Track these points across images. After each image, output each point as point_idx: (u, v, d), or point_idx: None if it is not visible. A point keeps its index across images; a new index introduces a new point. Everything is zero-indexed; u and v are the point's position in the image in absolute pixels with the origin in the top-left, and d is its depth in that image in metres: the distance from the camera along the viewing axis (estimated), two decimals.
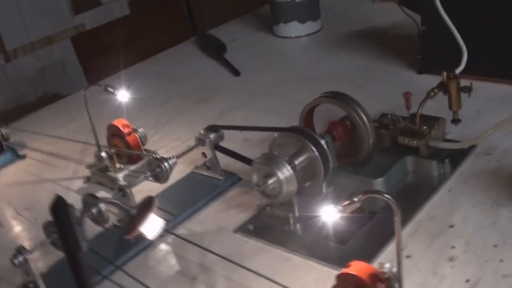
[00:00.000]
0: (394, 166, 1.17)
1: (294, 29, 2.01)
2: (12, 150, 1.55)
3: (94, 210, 1.00)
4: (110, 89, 1.30)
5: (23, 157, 1.56)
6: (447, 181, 1.15)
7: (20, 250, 0.95)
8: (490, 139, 1.21)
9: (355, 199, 0.79)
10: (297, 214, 1.11)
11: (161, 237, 1.12)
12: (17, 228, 1.29)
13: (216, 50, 1.97)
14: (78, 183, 1.39)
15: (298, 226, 1.11)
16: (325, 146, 1.10)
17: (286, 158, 1.12)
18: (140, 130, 1.38)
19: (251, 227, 1.13)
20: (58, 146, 1.59)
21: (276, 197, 1.09)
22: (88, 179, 1.39)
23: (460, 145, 1.16)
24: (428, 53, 1.56)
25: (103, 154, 1.34)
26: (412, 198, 1.13)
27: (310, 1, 1.99)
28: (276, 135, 1.14)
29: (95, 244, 1.09)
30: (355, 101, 1.16)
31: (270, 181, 1.07)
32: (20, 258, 0.95)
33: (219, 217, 1.19)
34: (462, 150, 1.20)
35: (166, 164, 1.18)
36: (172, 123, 1.62)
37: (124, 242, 1.11)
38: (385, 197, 0.77)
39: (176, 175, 1.32)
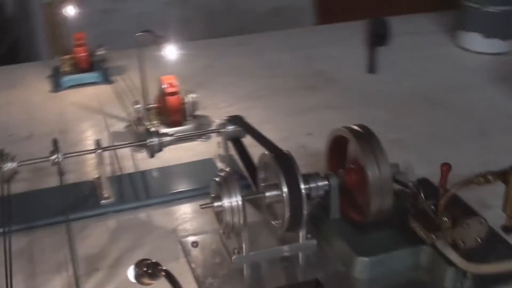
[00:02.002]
0: (397, 251, 0.87)
1: (473, 41, 1.64)
2: (104, 72, 1.52)
3: None
4: (159, 41, 1.18)
5: (110, 82, 1.52)
6: None
7: None
8: None
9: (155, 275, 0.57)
10: (244, 253, 0.89)
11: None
12: (31, 145, 1.26)
13: (373, 39, 1.70)
14: (121, 126, 1.31)
15: (236, 267, 0.89)
16: (303, 191, 0.85)
17: (262, 185, 0.91)
18: (192, 95, 1.24)
19: (195, 245, 0.94)
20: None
21: (221, 223, 0.89)
22: (128, 126, 1.30)
23: (468, 266, 0.80)
24: None
25: (138, 106, 1.23)
26: None
27: (505, 15, 1.58)
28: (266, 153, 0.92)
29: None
30: (379, 149, 0.88)
31: (216, 204, 0.86)
32: None
33: (187, 218, 1.01)
34: None
35: (154, 139, 1.03)
36: (259, 100, 1.43)
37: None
38: None
39: (199, 155, 1.17)
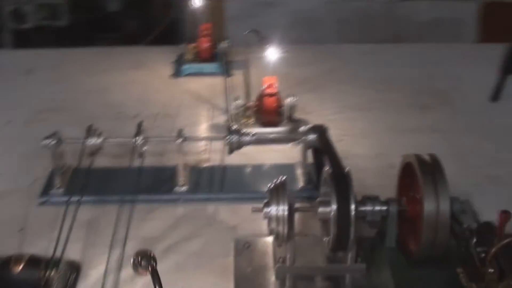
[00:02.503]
0: None
1: None
2: (224, 64, 1.55)
3: None
4: (263, 42, 1.19)
5: (228, 75, 1.55)
6: None
7: None
8: None
9: None
10: (287, 263, 0.89)
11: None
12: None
13: (506, 65, 1.58)
14: (222, 119, 1.34)
15: (278, 276, 0.88)
16: (352, 213, 0.82)
17: (317, 200, 0.89)
18: (290, 98, 1.24)
19: (247, 245, 0.94)
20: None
21: (268, 229, 0.89)
22: (227, 120, 1.33)
23: None
24: None
25: (237, 102, 1.25)
26: None
27: None
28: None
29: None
30: (442, 183, 0.83)
31: (264, 209, 0.86)
32: None
33: (251, 218, 1.00)
34: None
35: (234, 136, 1.06)
36: (366, 112, 1.40)
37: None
38: None
39: (289, 159, 1.17)
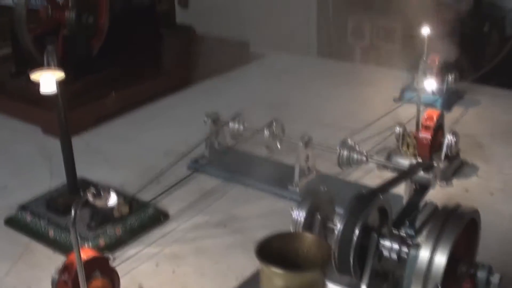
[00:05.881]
0: None
1: None
2: (446, 99, 1.51)
3: None
4: None
5: (448, 110, 1.49)
6: None
7: None
8: None
9: None
10: None
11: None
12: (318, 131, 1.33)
13: None
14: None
15: None
16: (354, 237, 0.82)
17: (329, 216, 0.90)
18: (450, 137, 1.19)
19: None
20: None
21: None
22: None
23: None
24: None
25: (397, 129, 1.24)
26: None
27: None
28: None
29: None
30: (449, 235, 0.76)
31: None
32: None
33: None
34: None
35: (344, 151, 1.10)
36: None
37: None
38: None
39: None
